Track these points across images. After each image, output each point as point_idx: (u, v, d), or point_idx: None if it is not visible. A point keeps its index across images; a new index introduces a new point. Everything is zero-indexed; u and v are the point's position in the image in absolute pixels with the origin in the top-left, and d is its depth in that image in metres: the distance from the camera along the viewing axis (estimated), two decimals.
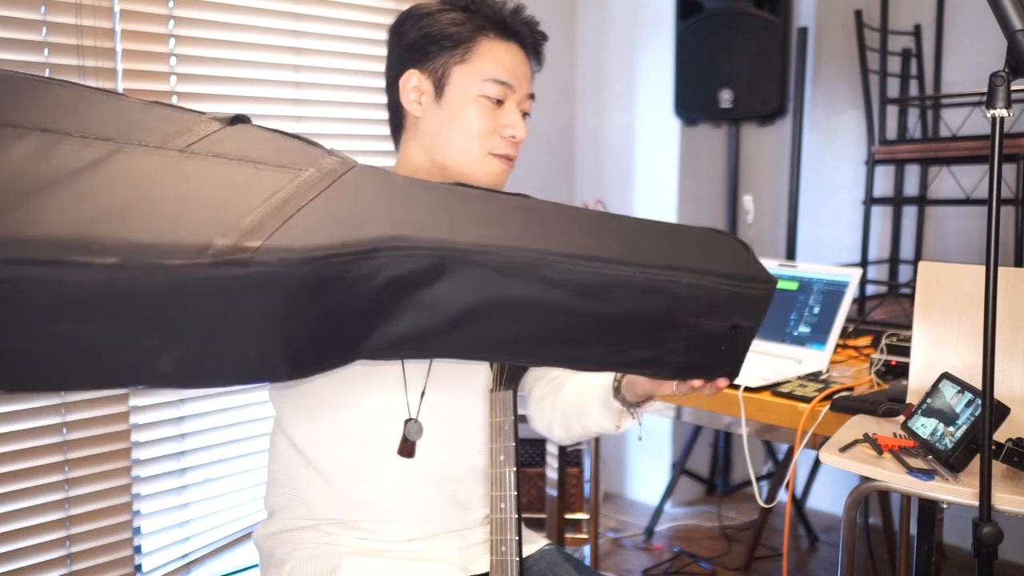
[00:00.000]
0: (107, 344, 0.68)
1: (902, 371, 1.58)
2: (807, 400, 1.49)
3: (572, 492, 2.53)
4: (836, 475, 2.91)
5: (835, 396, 1.48)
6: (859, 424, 1.35)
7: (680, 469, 2.96)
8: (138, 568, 2.05)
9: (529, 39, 1.21)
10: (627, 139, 3.08)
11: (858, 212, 2.75)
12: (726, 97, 2.75)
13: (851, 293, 1.75)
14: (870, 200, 2.59)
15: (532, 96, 1.22)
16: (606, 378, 1.24)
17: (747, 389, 1.56)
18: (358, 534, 1.20)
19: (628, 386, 1.18)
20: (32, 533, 1.87)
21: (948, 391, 1.22)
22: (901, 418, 1.30)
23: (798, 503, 2.89)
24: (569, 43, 3.15)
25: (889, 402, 1.40)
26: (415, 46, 1.19)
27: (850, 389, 1.54)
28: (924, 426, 1.22)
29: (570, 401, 1.30)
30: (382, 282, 0.77)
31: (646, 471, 3.14)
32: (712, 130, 3.02)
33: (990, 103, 0.91)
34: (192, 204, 0.73)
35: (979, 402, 1.08)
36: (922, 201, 2.77)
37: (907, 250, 2.83)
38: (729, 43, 2.74)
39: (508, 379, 1.19)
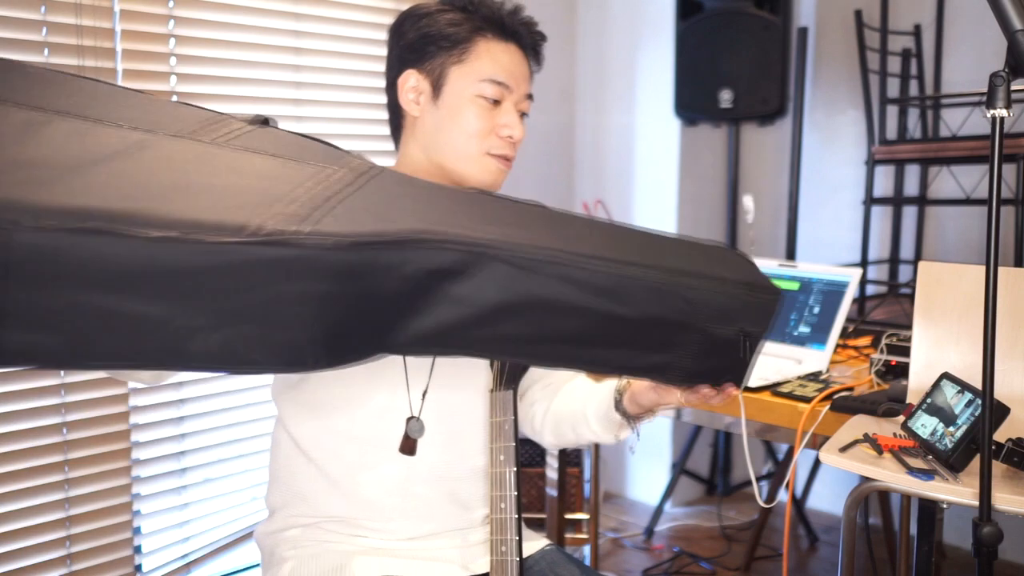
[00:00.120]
0: (150, 320, 0.68)
1: (902, 371, 1.58)
2: (807, 400, 1.49)
3: (572, 492, 2.53)
4: (836, 475, 2.91)
5: (835, 396, 1.48)
6: (859, 424, 1.35)
7: (680, 469, 2.96)
8: (138, 568, 2.05)
9: (528, 39, 1.21)
10: (627, 139, 3.08)
11: (858, 212, 2.75)
12: (726, 97, 2.75)
13: (851, 293, 1.75)
14: (870, 200, 2.59)
15: (530, 97, 1.22)
16: (606, 389, 1.24)
17: (747, 389, 1.56)
18: (359, 532, 1.20)
19: (632, 398, 1.19)
20: (32, 533, 1.87)
21: (948, 391, 1.22)
22: (901, 418, 1.30)
23: (798, 503, 2.89)
24: (569, 43, 3.15)
25: (889, 402, 1.40)
26: (413, 46, 1.19)
27: (850, 389, 1.54)
28: (924, 426, 1.22)
29: (565, 408, 1.30)
30: (413, 273, 0.78)
31: (646, 471, 3.14)
32: (712, 130, 3.02)
33: (990, 103, 0.91)
34: (234, 189, 0.75)
35: (979, 402, 1.08)
36: (922, 201, 2.77)
37: (907, 250, 2.83)
38: (729, 43, 2.74)
39: (508, 379, 1.20)
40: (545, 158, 3.09)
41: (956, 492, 1.12)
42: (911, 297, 1.63)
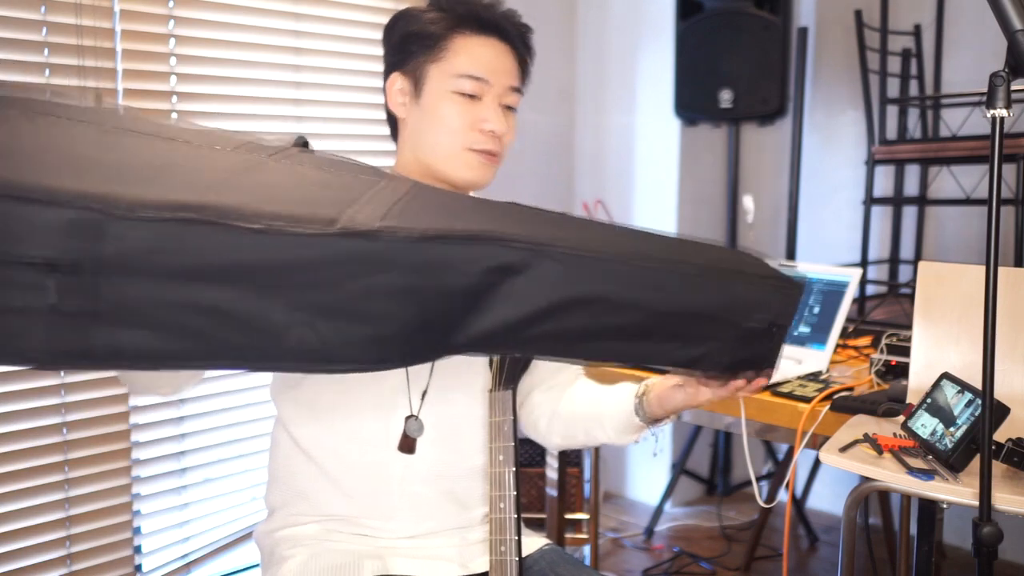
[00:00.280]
0: (247, 313, 0.70)
1: (902, 371, 1.58)
2: (807, 400, 1.49)
3: (572, 492, 2.53)
4: (836, 475, 2.91)
5: (835, 396, 1.48)
6: (859, 424, 1.35)
7: (680, 469, 2.96)
8: (138, 568, 2.05)
9: (511, 31, 1.20)
10: (627, 139, 3.08)
11: (858, 212, 2.75)
12: (726, 97, 2.75)
13: (851, 293, 1.75)
14: (870, 200, 2.59)
15: (517, 90, 1.20)
16: (623, 393, 1.24)
17: None
18: (358, 530, 1.20)
19: (658, 402, 1.18)
20: (32, 533, 1.87)
21: (948, 391, 1.22)
22: (901, 418, 1.30)
23: (798, 503, 2.89)
24: (569, 43, 3.15)
25: (889, 402, 1.40)
26: (397, 48, 1.20)
27: (850, 389, 1.54)
28: (924, 426, 1.22)
29: (576, 411, 1.29)
30: (479, 269, 0.81)
31: (646, 471, 3.14)
32: (712, 130, 3.02)
33: (990, 103, 0.91)
34: (311, 193, 0.78)
35: (979, 402, 1.08)
36: (922, 201, 2.77)
37: (907, 250, 2.83)
38: (729, 43, 2.74)
39: (507, 379, 1.20)
40: (545, 158, 3.09)
41: (956, 492, 1.12)
42: (911, 297, 1.63)
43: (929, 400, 1.24)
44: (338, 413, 1.19)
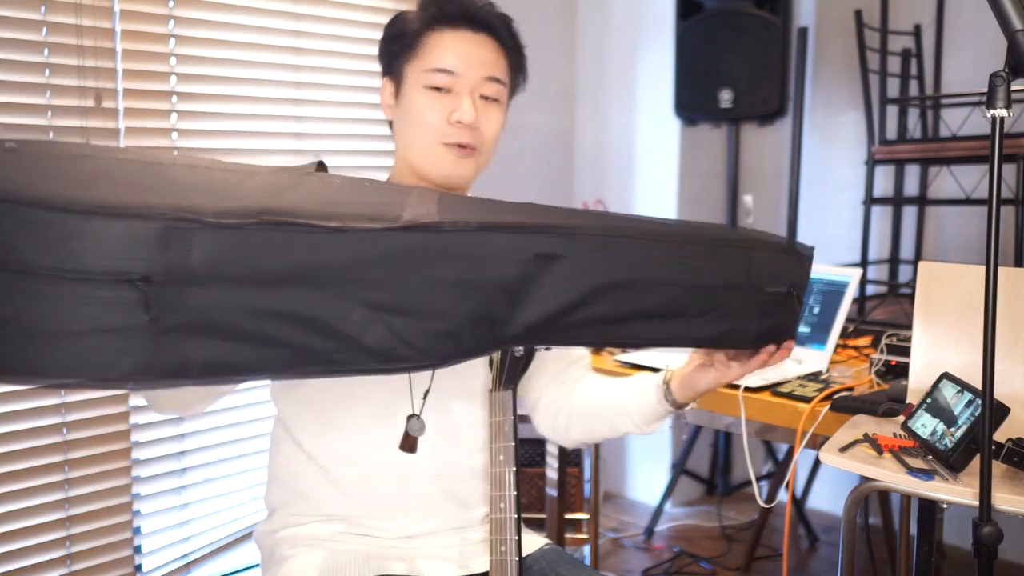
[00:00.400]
0: (322, 316, 0.74)
1: (902, 371, 1.58)
2: (807, 400, 1.49)
3: (572, 492, 2.53)
4: (836, 475, 2.91)
5: (835, 396, 1.48)
6: (859, 424, 1.35)
7: (680, 469, 2.96)
8: (138, 568, 2.05)
9: (488, 21, 1.18)
10: (627, 139, 3.08)
11: (858, 212, 2.74)
12: (726, 97, 2.75)
13: (851, 293, 1.75)
14: (870, 200, 2.59)
15: (497, 80, 1.18)
16: (647, 381, 1.24)
17: (747, 389, 1.56)
18: (359, 530, 1.20)
19: (686, 385, 1.19)
20: (32, 533, 1.87)
21: (948, 391, 1.22)
22: (901, 418, 1.30)
23: (798, 503, 2.89)
24: (569, 43, 3.15)
25: (889, 402, 1.40)
26: (383, 52, 1.21)
27: (850, 389, 1.54)
28: (924, 426, 1.22)
29: (597, 403, 1.29)
30: (525, 257, 0.85)
31: (646, 471, 3.14)
32: (712, 130, 3.02)
33: (990, 103, 0.91)
34: (355, 198, 0.81)
35: (979, 402, 1.08)
36: (922, 201, 2.77)
37: (907, 250, 2.83)
38: (729, 43, 2.74)
39: (507, 379, 1.20)
40: (545, 158, 3.09)
41: (956, 492, 1.12)
42: (911, 297, 1.63)
43: (929, 400, 1.24)
44: (339, 413, 1.19)
